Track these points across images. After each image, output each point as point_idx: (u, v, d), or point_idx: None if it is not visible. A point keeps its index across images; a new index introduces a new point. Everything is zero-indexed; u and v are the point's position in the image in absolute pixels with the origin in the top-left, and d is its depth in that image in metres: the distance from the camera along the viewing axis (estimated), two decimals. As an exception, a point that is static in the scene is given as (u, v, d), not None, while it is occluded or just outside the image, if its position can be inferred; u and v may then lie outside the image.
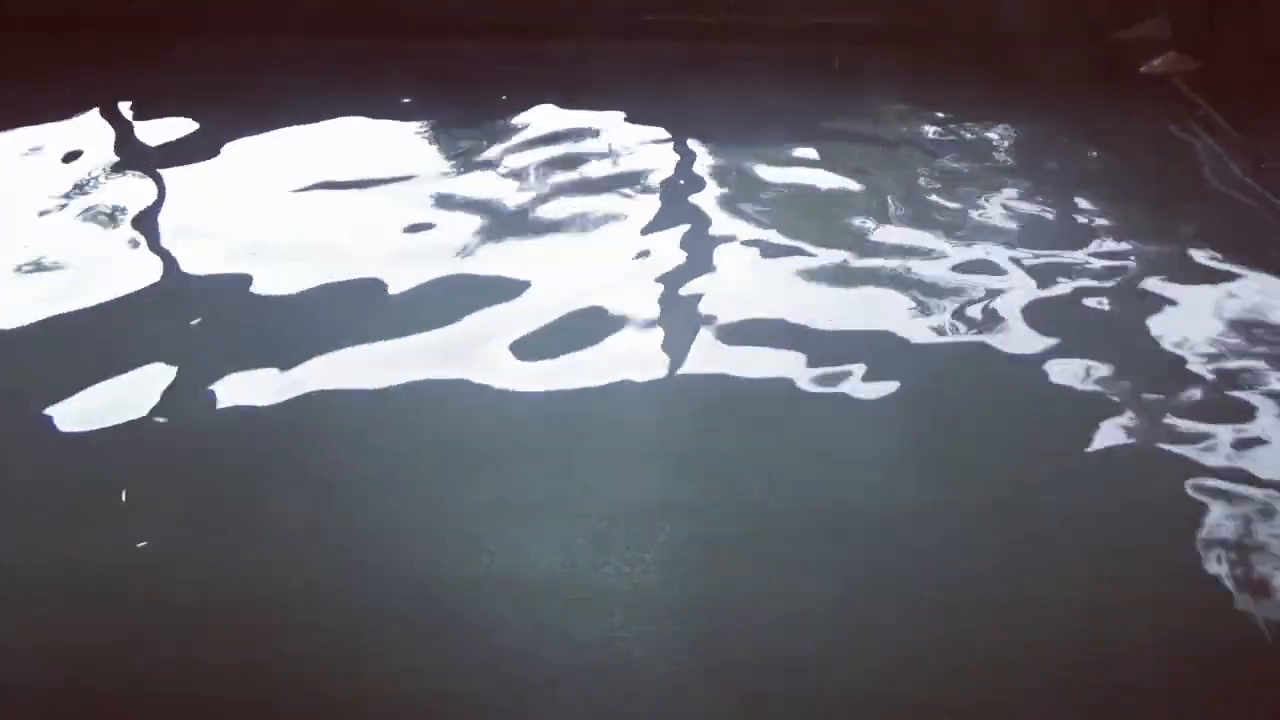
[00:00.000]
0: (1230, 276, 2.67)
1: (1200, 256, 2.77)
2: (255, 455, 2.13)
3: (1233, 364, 2.34)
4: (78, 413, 2.23)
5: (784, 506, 2.00)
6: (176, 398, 2.27)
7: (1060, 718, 1.67)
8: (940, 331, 2.44)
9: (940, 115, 3.65)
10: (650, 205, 3.03)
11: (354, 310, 2.53)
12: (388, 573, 1.88)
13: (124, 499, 1.99)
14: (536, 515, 1.98)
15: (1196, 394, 2.26)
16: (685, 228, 2.90)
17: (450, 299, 2.56)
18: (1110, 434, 2.15)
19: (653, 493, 2.02)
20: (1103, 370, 2.31)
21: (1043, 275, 2.66)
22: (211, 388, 2.27)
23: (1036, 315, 2.49)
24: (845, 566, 1.88)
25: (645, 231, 2.88)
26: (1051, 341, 2.40)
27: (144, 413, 2.23)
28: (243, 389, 2.27)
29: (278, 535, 1.96)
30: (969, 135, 3.52)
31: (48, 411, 2.23)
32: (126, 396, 2.27)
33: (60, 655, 1.74)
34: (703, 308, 2.54)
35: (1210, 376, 2.31)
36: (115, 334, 2.49)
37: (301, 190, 3.14)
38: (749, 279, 2.69)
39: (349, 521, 1.97)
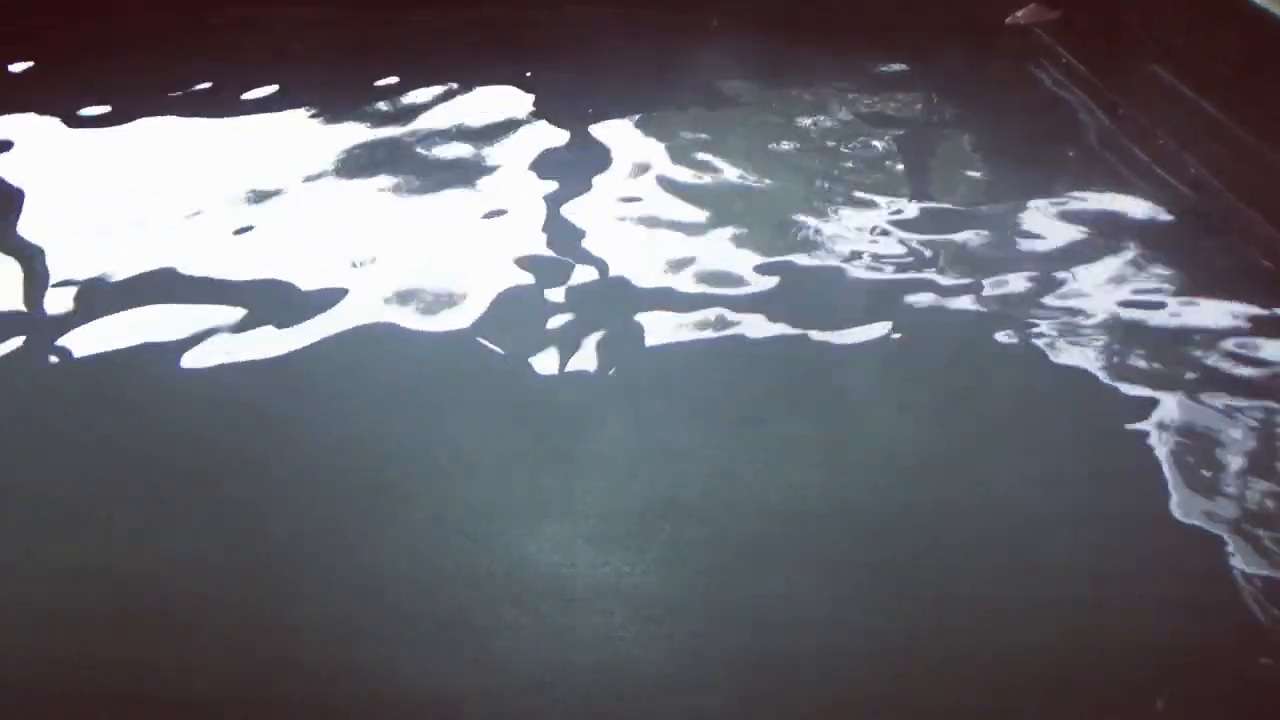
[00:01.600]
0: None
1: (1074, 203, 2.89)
2: (254, 456, 2.13)
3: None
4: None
5: (784, 506, 2.00)
6: (170, 399, 2.27)
7: (1060, 717, 1.67)
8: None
9: (807, 75, 3.63)
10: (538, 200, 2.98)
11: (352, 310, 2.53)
12: (387, 573, 1.88)
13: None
14: (536, 515, 1.98)
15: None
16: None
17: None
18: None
19: (653, 493, 2.02)
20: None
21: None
22: (208, 386, 2.27)
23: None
24: (845, 566, 1.88)
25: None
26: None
27: (140, 413, 2.23)
28: (239, 388, 2.27)
29: (276, 536, 1.95)
30: (839, 93, 3.55)
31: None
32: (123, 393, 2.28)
33: (58, 656, 1.75)
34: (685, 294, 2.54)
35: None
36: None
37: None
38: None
39: (348, 522, 1.97)
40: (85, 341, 2.41)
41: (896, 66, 3.77)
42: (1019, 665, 1.72)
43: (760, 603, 1.83)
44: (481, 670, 1.73)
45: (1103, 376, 2.29)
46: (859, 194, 2.97)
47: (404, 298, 2.54)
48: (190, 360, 2.34)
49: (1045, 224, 2.82)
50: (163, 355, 2.35)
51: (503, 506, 2.00)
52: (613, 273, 2.64)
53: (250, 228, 2.76)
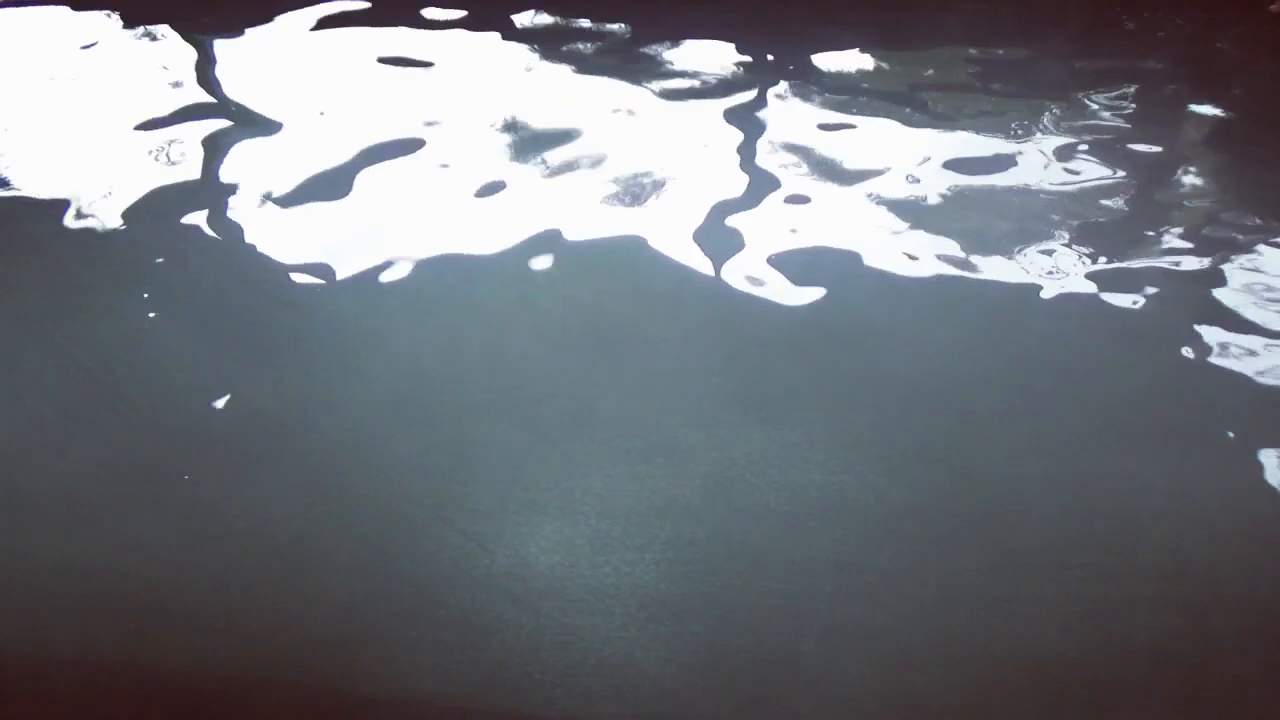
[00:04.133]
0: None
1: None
2: (254, 457, 2.13)
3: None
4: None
5: (784, 506, 2.00)
6: (171, 392, 2.27)
7: (1060, 717, 1.68)
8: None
9: (1048, 57, 3.31)
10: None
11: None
12: (387, 573, 1.88)
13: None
14: (537, 515, 1.98)
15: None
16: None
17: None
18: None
19: (653, 493, 2.02)
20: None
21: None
22: (208, 382, 2.27)
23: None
24: (845, 567, 1.89)
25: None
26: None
27: (139, 412, 2.23)
28: (240, 384, 2.27)
29: (276, 535, 1.96)
30: (1055, 60, 3.26)
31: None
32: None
33: (59, 656, 1.75)
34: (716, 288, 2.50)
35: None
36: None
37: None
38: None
39: (348, 521, 1.97)
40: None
41: (1136, 50, 3.37)
42: (1020, 665, 1.72)
43: (760, 603, 1.83)
44: (481, 670, 1.73)
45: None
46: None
47: (403, 296, 2.54)
48: (192, 356, 2.34)
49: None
50: (161, 350, 2.36)
51: (503, 506, 2.00)
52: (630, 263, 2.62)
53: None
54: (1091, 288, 2.51)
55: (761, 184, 2.85)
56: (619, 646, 1.76)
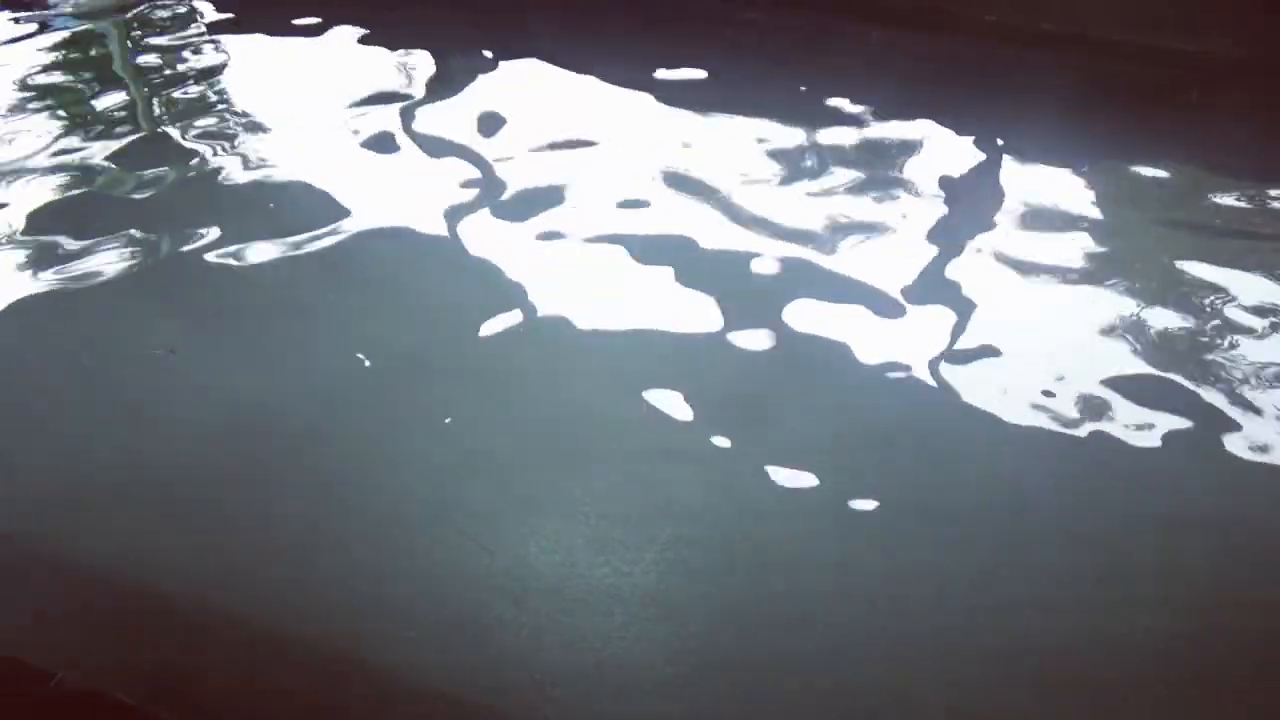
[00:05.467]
0: None
1: None
2: (253, 454, 2.13)
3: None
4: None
5: (784, 506, 2.00)
6: (171, 392, 2.27)
7: (1060, 717, 1.68)
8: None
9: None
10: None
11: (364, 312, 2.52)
12: (387, 573, 1.88)
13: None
14: (536, 515, 1.98)
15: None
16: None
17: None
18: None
19: (653, 493, 2.02)
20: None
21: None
22: (209, 383, 2.27)
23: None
24: (845, 566, 1.88)
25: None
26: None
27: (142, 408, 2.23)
28: (241, 384, 2.27)
29: (276, 536, 1.96)
30: None
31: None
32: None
33: (59, 657, 1.75)
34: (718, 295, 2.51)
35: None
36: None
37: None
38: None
39: (348, 521, 1.97)
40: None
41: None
42: (1020, 665, 1.72)
43: (760, 603, 1.83)
44: (481, 670, 1.73)
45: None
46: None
47: (406, 297, 2.55)
48: (194, 357, 2.34)
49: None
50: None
51: (503, 506, 2.00)
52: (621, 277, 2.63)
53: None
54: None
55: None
56: (619, 646, 1.76)
